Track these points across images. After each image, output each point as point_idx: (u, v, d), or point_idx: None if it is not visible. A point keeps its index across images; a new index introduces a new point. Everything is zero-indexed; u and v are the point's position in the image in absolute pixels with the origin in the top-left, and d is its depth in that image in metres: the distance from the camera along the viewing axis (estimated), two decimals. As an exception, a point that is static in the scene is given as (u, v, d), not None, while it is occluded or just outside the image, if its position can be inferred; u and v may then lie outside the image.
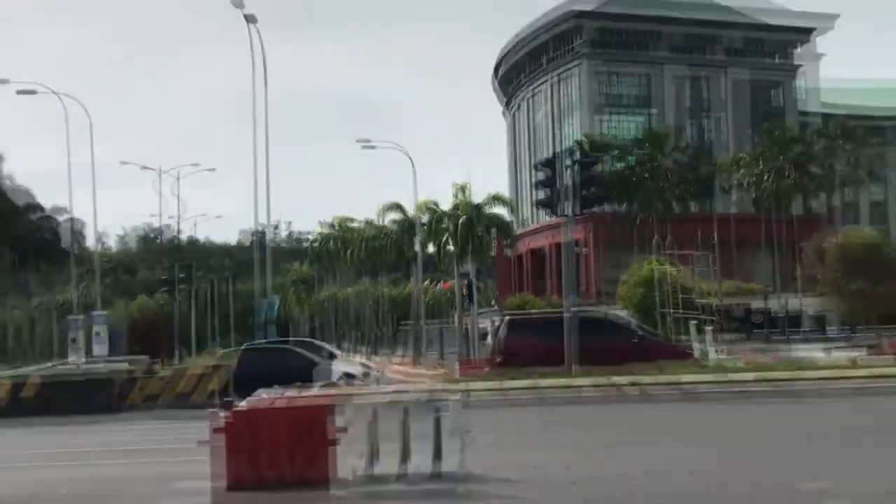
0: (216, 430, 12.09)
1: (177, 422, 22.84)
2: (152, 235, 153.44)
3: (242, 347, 39.82)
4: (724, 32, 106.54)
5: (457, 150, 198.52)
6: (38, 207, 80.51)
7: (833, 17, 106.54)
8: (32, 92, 47.69)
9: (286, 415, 12.41)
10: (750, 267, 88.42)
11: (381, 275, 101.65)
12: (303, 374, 32.48)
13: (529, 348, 29.08)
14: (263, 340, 40.73)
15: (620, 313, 63.68)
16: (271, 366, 31.78)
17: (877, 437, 15.17)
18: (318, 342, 45.27)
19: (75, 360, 43.33)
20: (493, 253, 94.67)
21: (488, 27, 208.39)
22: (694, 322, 35.56)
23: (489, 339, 34.24)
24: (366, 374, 33.70)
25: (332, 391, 14.15)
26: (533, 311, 53.91)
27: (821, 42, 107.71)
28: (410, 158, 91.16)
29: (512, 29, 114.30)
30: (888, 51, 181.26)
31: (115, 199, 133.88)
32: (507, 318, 35.99)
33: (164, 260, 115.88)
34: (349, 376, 30.82)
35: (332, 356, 36.95)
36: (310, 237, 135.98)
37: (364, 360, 39.92)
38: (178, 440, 17.58)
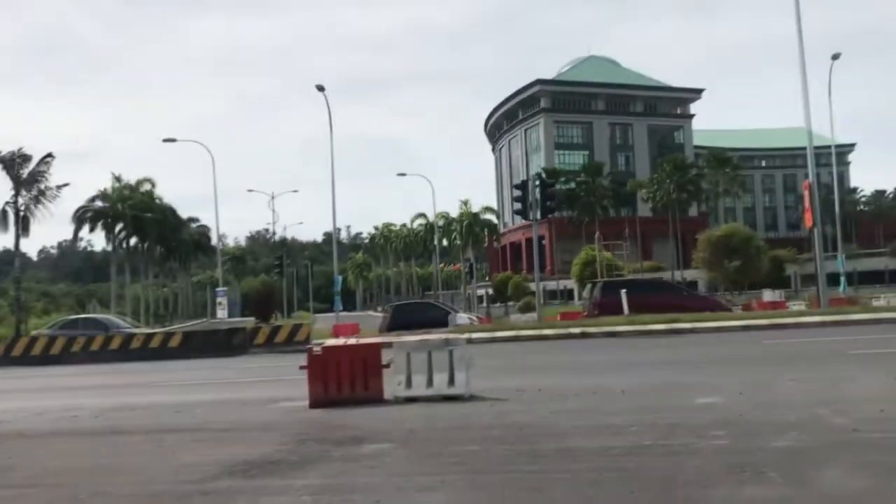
0: (302, 367, 11.91)
1: (285, 357, 22.64)
2: (258, 236, 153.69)
3: (393, 304, 40.03)
4: (639, 93, 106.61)
5: (461, 177, 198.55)
6: (195, 220, 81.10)
7: (700, 91, 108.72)
8: (173, 140, 47.55)
9: (349, 353, 12.17)
10: (660, 252, 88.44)
11: (412, 260, 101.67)
12: (439, 322, 32.70)
13: (616, 304, 27.55)
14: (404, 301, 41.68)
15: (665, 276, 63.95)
16: (415, 315, 31.67)
17: (731, 365, 14.89)
18: (437, 302, 45.64)
19: (221, 317, 43.95)
20: (485, 245, 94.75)
21: (482, 93, 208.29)
22: (623, 290, 35.16)
23: (587, 297, 32.76)
24: (472, 321, 34.60)
25: (433, 336, 13.90)
26: (625, 276, 51.98)
27: (695, 105, 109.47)
28: (430, 183, 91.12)
29: (497, 95, 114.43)
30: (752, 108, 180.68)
31: (230, 211, 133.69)
32: (602, 281, 34.72)
33: (267, 253, 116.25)
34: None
35: (453, 310, 37.46)
36: (364, 236, 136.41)
37: (470, 314, 40.38)
38: (282, 373, 17.45)
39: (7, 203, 46.07)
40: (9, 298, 59.53)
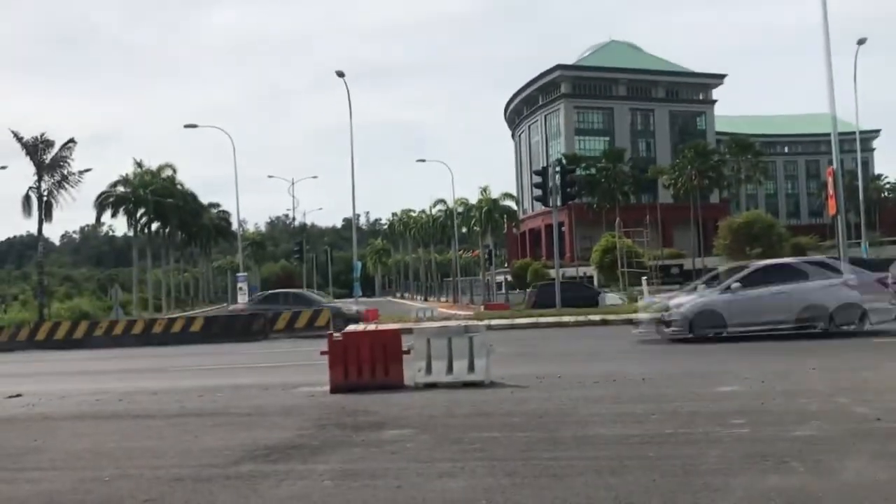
0: (322, 353, 11.97)
1: (305, 343, 22.78)
2: (278, 222, 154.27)
3: (539, 284, 40.34)
4: (660, 78, 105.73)
5: (480, 163, 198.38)
6: (216, 205, 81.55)
7: (722, 76, 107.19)
8: (194, 126, 47.62)
9: (369, 339, 12.22)
10: (680, 239, 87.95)
11: (430, 246, 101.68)
12: (590, 301, 32.71)
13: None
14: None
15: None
16: (563, 295, 31.82)
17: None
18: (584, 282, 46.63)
19: (242, 302, 43.65)
20: (504, 231, 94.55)
21: (503, 79, 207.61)
22: (644, 277, 35.21)
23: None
24: (622, 300, 35.31)
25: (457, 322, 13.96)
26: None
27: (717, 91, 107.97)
28: (450, 169, 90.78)
29: (517, 81, 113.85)
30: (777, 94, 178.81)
31: (250, 197, 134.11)
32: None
33: (287, 239, 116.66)
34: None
35: (601, 291, 38.53)
36: (383, 222, 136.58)
37: (620, 295, 40.52)
38: (301, 357, 17.56)
39: (30, 188, 46.53)
40: (32, 283, 60.19)
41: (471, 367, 11.59)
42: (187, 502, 6.17)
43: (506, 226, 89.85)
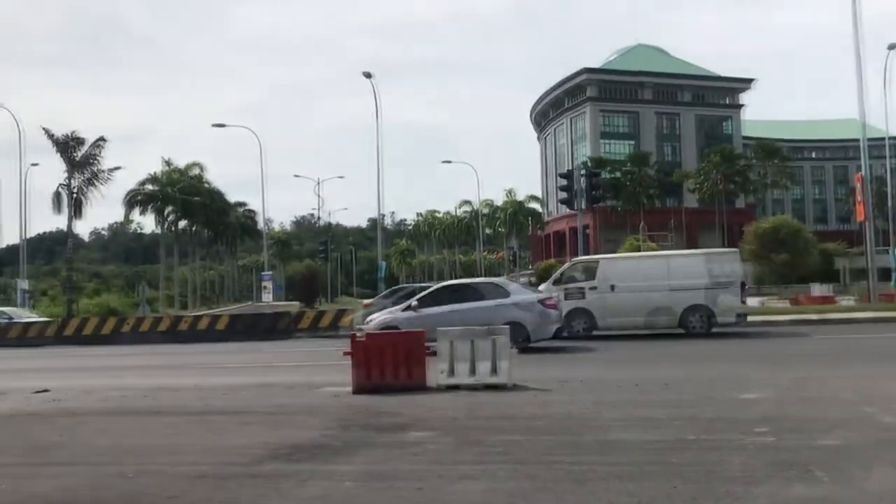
0: (345, 353, 11.98)
1: (329, 342, 22.79)
2: (303, 221, 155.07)
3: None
4: (687, 82, 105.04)
5: (507, 164, 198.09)
6: (242, 204, 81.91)
7: (749, 80, 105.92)
8: (222, 125, 47.87)
9: (392, 340, 12.22)
10: (706, 244, 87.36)
11: (455, 247, 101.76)
12: None
13: None
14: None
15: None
16: None
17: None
18: None
19: (266, 301, 43.99)
20: (529, 233, 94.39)
21: (528, 82, 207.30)
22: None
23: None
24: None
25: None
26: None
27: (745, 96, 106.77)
28: (475, 171, 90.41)
29: (543, 84, 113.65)
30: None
31: (276, 196, 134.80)
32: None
33: (312, 238, 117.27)
34: None
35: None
36: (408, 222, 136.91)
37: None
38: (326, 358, 17.62)
39: (60, 185, 47.01)
40: (61, 278, 60.87)
41: (494, 370, 11.56)
42: (209, 500, 6.21)
43: (531, 227, 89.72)
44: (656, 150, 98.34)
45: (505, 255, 75.38)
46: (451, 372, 11.67)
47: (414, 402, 10.62)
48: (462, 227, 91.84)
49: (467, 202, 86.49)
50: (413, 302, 18.39)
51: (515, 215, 78.89)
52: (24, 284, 43.35)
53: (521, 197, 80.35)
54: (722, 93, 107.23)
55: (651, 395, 10.59)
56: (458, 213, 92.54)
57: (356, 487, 6.40)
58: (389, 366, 11.74)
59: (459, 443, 7.97)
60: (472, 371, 11.59)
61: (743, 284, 20.81)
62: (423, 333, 12.36)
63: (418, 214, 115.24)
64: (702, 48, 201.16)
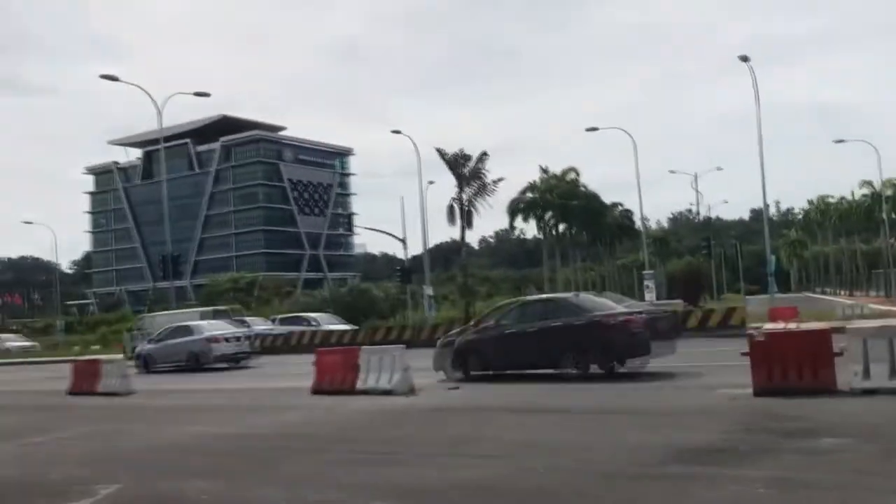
0: (743, 353, 11.51)
1: (719, 342, 22.06)
2: (680, 217, 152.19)
3: None
4: None
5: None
6: (618, 204, 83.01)
7: None
8: (595, 129, 48.61)
9: (794, 339, 11.46)
10: None
11: (854, 235, 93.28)
12: None
13: None
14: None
15: None
16: None
17: None
18: None
19: (649, 299, 43.71)
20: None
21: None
22: None
23: None
24: None
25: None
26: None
27: None
28: (876, 148, 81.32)
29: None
30: None
31: (651, 194, 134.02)
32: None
33: (689, 234, 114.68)
34: None
35: None
36: (796, 211, 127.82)
37: None
38: (717, 358, 17.21)
39: (453, 199, 51.36)
40: (458, 284, 66.33)
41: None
42: (618, 500, 6.37)
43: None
44: None
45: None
46: (867, 374, 10.60)
47: (821, 406, 9.87)
48: (862, 213, 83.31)
49: (868, 183, 78.13)
50: (156, 335, 26.11)
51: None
52: (429, 290, 47.84)
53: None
54: None
55: None
56: (856, 198, 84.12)
57: (768, 494, 6.12)
58: (792, 367, 11.01)
59: (885, 453, 7.24)
60: (893, 373, 10.44)
61: None
62: (829, 331, 11.43)
63: (809, 202, 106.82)
64: None
